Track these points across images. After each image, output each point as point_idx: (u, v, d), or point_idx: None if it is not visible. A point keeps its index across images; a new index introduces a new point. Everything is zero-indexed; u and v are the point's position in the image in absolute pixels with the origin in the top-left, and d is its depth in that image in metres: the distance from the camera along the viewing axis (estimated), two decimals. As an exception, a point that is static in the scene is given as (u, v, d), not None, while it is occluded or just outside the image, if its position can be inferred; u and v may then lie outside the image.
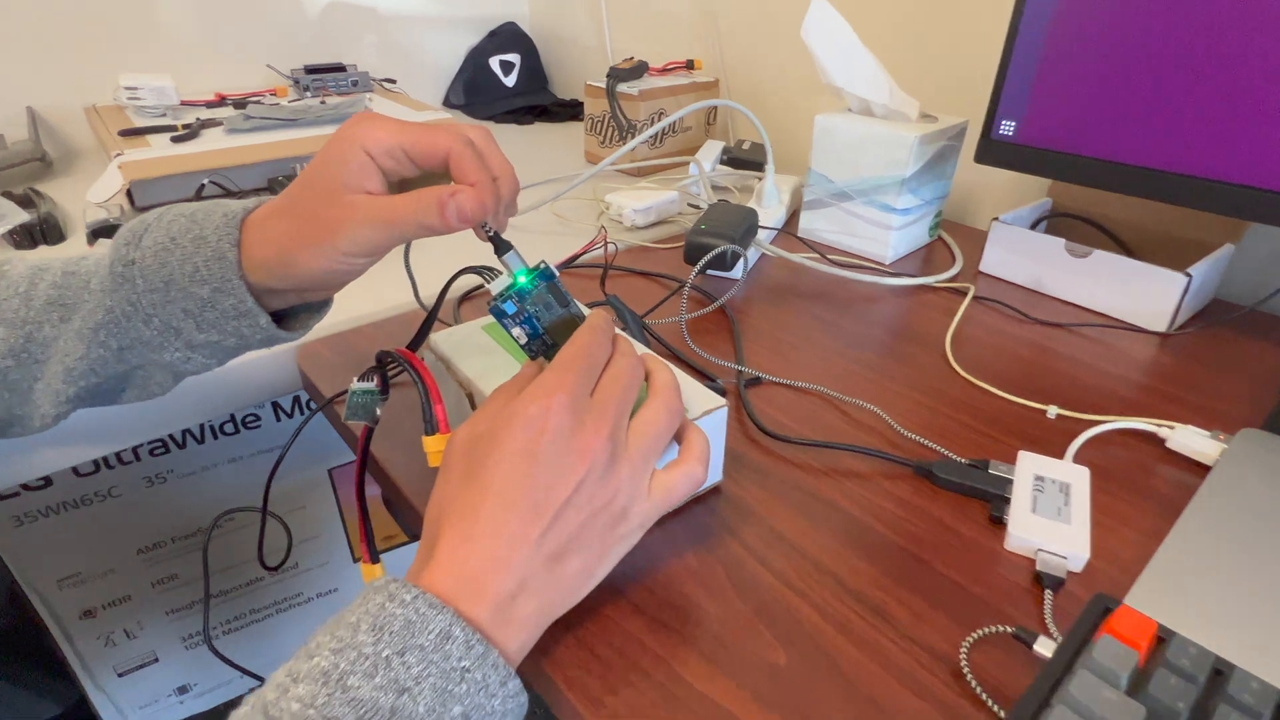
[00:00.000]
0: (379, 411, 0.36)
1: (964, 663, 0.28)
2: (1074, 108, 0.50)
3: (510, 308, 0.33)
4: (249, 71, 1.05)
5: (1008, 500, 0.36)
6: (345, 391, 0.37)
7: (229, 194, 0.72)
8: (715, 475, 0.38)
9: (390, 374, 0.37)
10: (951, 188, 0.74)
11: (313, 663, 0.23)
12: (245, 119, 0.82)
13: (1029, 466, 0.38)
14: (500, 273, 0.34)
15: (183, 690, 0.97)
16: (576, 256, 0.45)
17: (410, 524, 0.39)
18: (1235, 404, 0.46)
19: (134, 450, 0.81)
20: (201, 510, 0.89)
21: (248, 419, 0.87)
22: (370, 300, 0.56)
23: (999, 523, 0.36)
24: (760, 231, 0.65)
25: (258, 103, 0.92)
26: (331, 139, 0.32)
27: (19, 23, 0.87)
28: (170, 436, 0.83)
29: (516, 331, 0.34)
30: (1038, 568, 0.33)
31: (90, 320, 0.34)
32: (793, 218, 0.75)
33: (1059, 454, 0.41)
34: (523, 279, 0.33)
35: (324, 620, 0.26)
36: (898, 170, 0.61)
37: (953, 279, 0.62)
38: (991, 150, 0.55)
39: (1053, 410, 0.45)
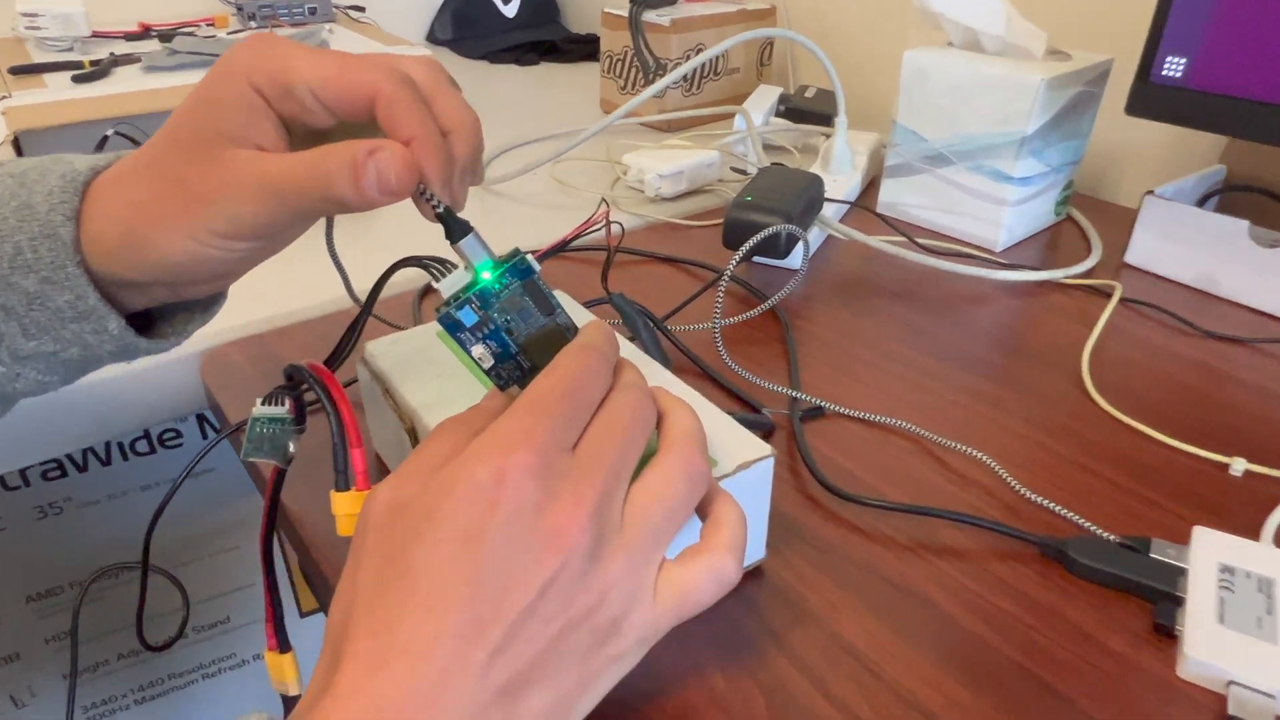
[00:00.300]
0: (292, 447, 0.33)
1: None
2: (1273, 39, 0.45)
3: (469, 317, 0.29)
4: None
5: (1181, 601, 0.32)
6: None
7: (136, 144, 0.70)
8: (756, 552, 0.34)
9: (308, 396, 0.34)
10: (1087, 150, 0.70)
11: None
12: (169, 54, 0.80)
13: (1210, 550, 0.33)
14: (456, 266, 0.30)
15: (82, 772, 0.95)
16: (566, 241, 0.40)
17: (328, 604, 0.35)
18: None
19: (22, 474, 0.79)
20: (106, 549, 0.87)
21: (165, 435, 0.85)
22: (303, 289, 0.53)
23: (1168, 635, 0.31)
24: (827, 206, 0.61)
25: (189, 34, 0.90)
26: (212, 69, 0.28)
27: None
28: (68, 457, 0.81)
29: (479, 350, 0.29)
30: (1230, 711, 0.28)
31: None
32: (870, 188, 0.73)
33: (1253, 532, 0.36)
34: (487, 275, 0.28)
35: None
36: (1016, 125, 0.58)
37: (1088, 273, 0.58)
38: (1150, 98, 0.51)
39: (1239, 464, 0.40)
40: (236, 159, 0.27)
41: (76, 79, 0.75)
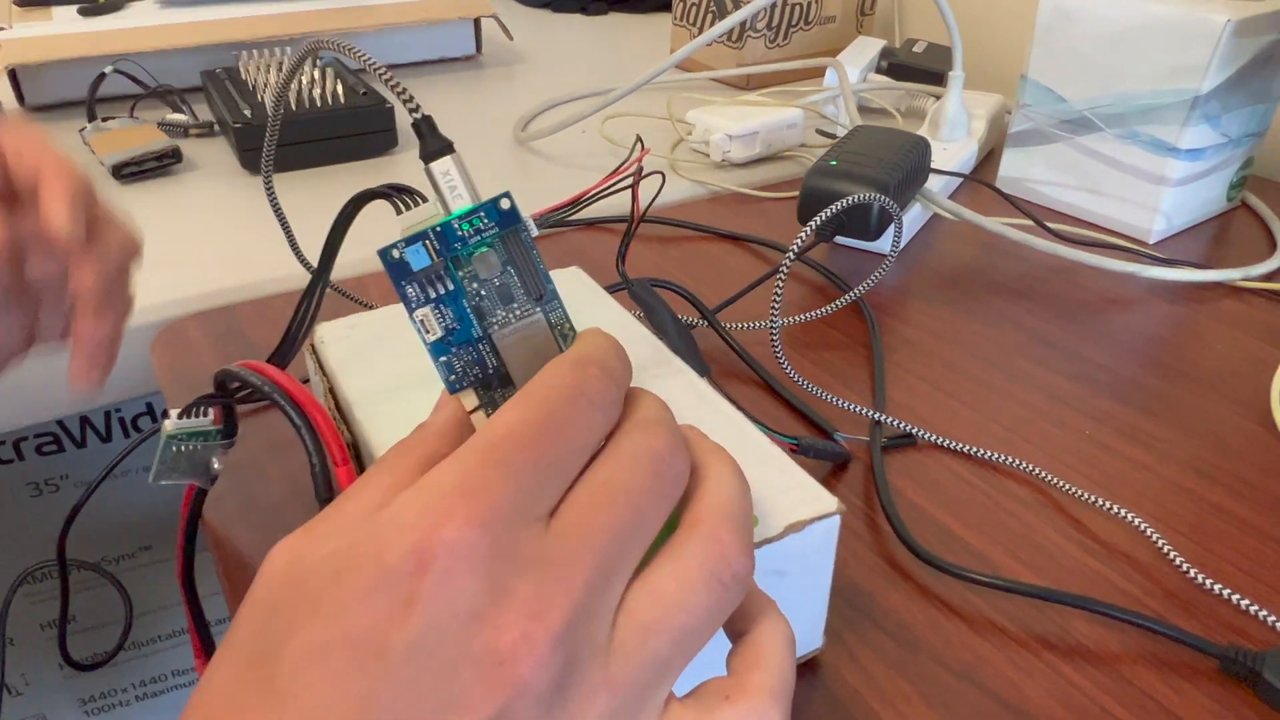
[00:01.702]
0: (217, 464, 0.30)
1: None
2: None
3: (419, 258, 0.21)
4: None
5: None
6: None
7: (143, 89, 0.67)
8: (811, 641, 0.28)
9: (240, 402, 0.31)
10: (1275, 120, 0.61)
11: None
12: None
13: None
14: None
15: (80, 766, 0.96)
16: (584, 196, 0.33)
17: None
18: None
19: (15, 445, 0.79)
20: (109, 533, 0.87)
21: (139, 420, 0.84)
22: (275, 259, 0.50)
23: None
24: (933, 178, 0.56)
25: None
26: None
27: None
28: (64, 428, 0.80)
29: (424, 314, 0.22)
30: None
31: None
32: (989, 160, 0.70)
33: None
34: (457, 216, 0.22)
35: None
36: (1189, 82, 0.53)
37: (1272, 275, 0.53)
38: None
39: None
40: None
41: (83, 11, 0.74)
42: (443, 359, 0.22)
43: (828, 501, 0.25)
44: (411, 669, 0.16)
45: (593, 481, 0.19)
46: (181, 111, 0.67)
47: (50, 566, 0.85)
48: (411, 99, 0.22)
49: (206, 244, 0.53)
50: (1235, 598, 0.30)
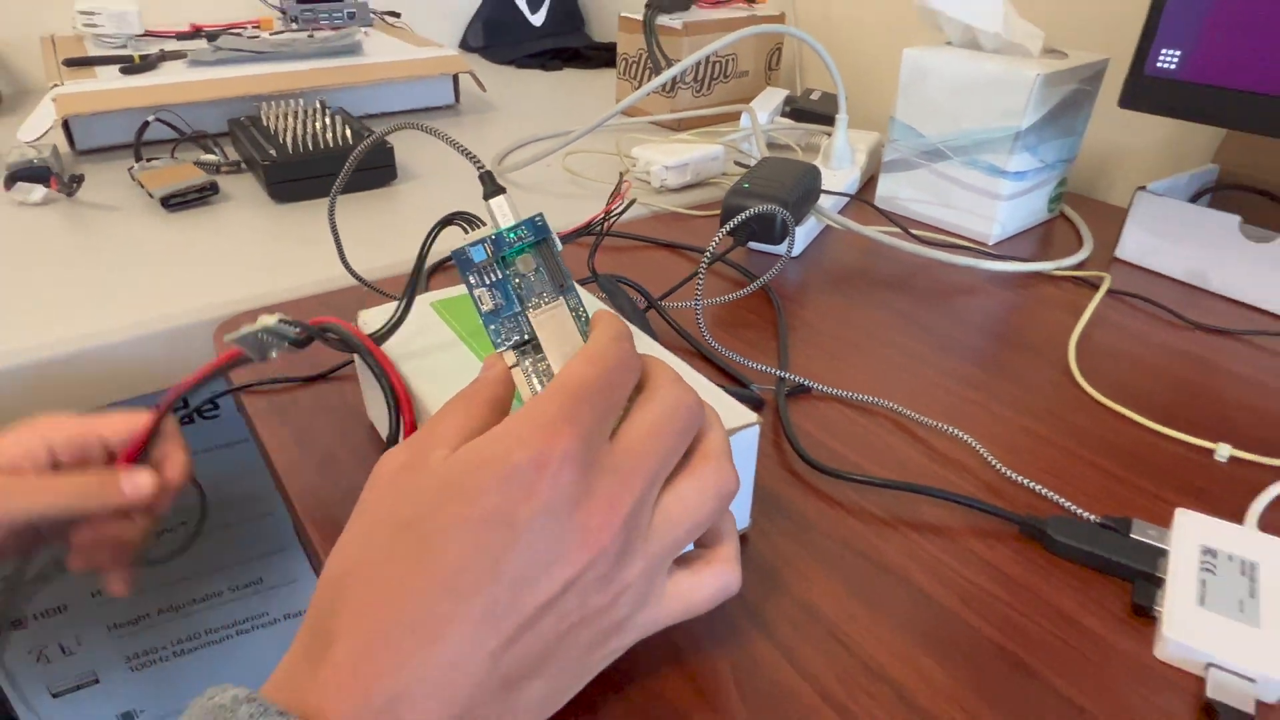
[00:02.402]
0: (274, 355, 0.30)
1: None
2: (1272, 26, 0.41)
3: (478, 253, 0.26)
4: (238, 2, 1.02)
5: (1160, 582, 0.29)
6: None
7: (179, 135, 0.69)
8: (743, 521, 0.32)
9: (324, 342, 0.32)
10: (1081, 148, 0.66)
11: None
12: (213, 51, 0.79)
13: (1192, 533, 0.30)
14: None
15: (126, 717, 0.96)
16: (593, 223, 0.37)
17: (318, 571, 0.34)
18: None
19: None
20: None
21: (204, 407, 0.84)
22: (300, 269, 0.52)
23: (1146, 616, 0.28)
24: (825, 197, 0.58)
25: (235, 34, 0.88)
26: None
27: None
28: None
29: (481, 293, 0.27)
30: (1208, 693, 0.25)
31: None
32: (870, 184, 0.70)
33: (1236, 515, 0.33)
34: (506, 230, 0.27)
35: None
36: (1010, 121, 0.55)
37: (1079, 266, 0.55)
38: (1145, 90, 0.47)
39: (1224, 450, 0.37)
40: None
41: (124, 70, 0.74)
42: (492, 326, 0.26)
43: (751, 416, 0.29)
44: (530, 536, 0.20)
45: (647, 418, 0.23)
46: (213, 153, 0.68)
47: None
48: (476, 158, 0.27)
49: (246, 258, 0.54)
50: (1033, 486, 0.34)
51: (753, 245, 0.55)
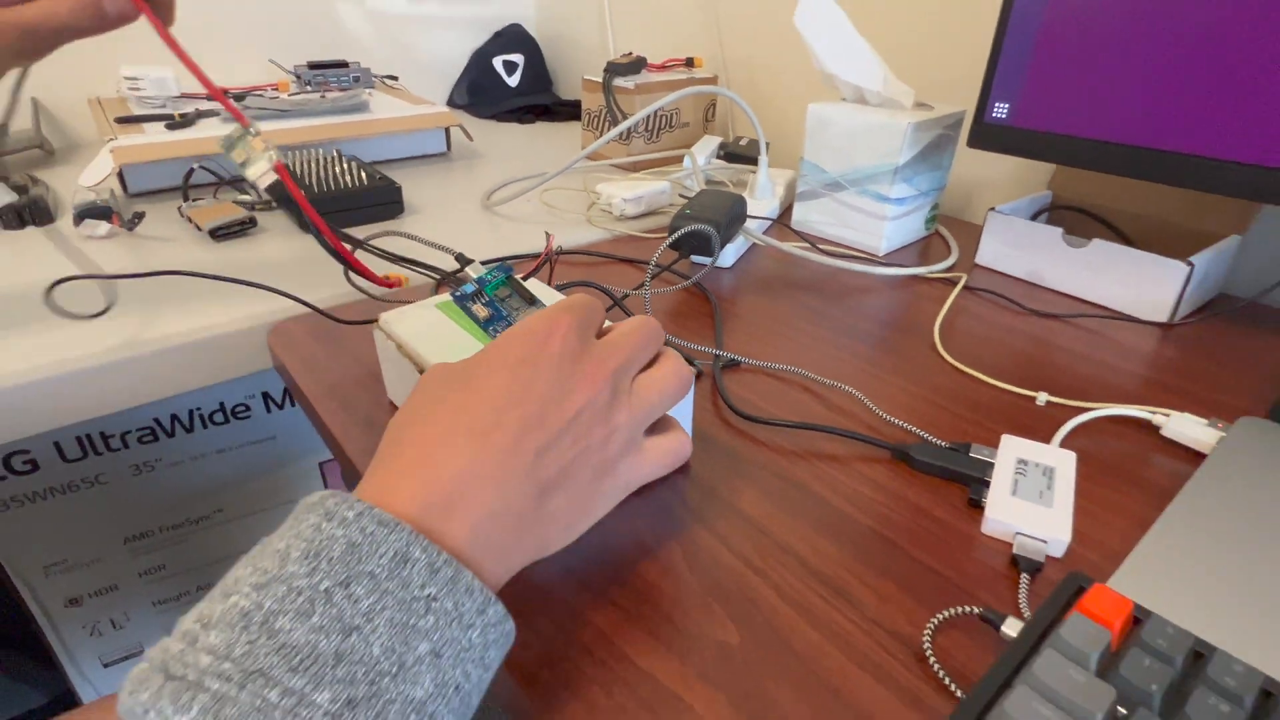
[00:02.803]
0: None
1: (927, 646, 0.26)
2: (1072, 87, 0.49)
3: (469, 288, 0.34)
4: (254, 67, 1.06)
5: (987, 483, 0.34)
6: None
7: (219, 180, 0.72)
8: (684, 446, 0.37)
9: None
10: (951, 182, 0.73)
11: (230, 603, 0.18)
12: (244, 110, 0.82)
13: (1012, 450, 0.36)
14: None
15: (168, 683, 0.96)
16: (537, 266, 0.42)
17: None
18: (1236, 395, 0.43)
19: (122, 437, 0.81)
20: (191, 500, 0.89)
21: (237, 409, 0.86)
22: (327, 287, 0.56)
23: (977, 506, 0.34)
24: (752, 222, 0.64)
25: (258, 96, 0.92)
26: None
27: (26, 15, 0.89)
28: (158, 423, 0.82)
29: (477, 308, 0.33)
30: (1015, 551, 0.31)
31: None
32: (787, 210, 0.74)
33: (1046, 439, 0.39)
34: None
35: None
36: (891, 159, 0.60)
37: (948, 270, 0.61)
38: (985, 134, 0.53)
39: (1042, 397, 0.43)
40: None
41: (169, 126, 0.76)
42: (489, 327, 0.33)
43: (687, 369, 0.35)
44: (549, 373, 0.25)
45: (622, 328, 0.29)
46: (248, 193, 0.72)
47: (148, 527, 0.87)
48: (459, 257, 0.32)
49: (285, 277, 0.56)
50: (902, 424, 0.39)
51: (695, 258, 0.61)
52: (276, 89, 0.97)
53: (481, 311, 0.34)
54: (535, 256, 0.61)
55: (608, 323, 0.31)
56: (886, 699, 0.25)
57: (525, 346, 0.25)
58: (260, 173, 0.39)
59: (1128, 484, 0.36)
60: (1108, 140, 0.48)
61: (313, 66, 1.00)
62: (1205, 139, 0.44)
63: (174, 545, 0.88)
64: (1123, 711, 0.21)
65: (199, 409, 0.83)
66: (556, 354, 0.25)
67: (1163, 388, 0.44)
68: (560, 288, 0.50)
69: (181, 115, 0.80)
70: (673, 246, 0.54)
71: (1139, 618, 0.23)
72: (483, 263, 0.41)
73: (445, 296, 0.42)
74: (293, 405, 0.88)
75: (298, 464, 0.93)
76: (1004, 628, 0.25)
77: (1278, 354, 0.48)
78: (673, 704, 0.25)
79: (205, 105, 0.87)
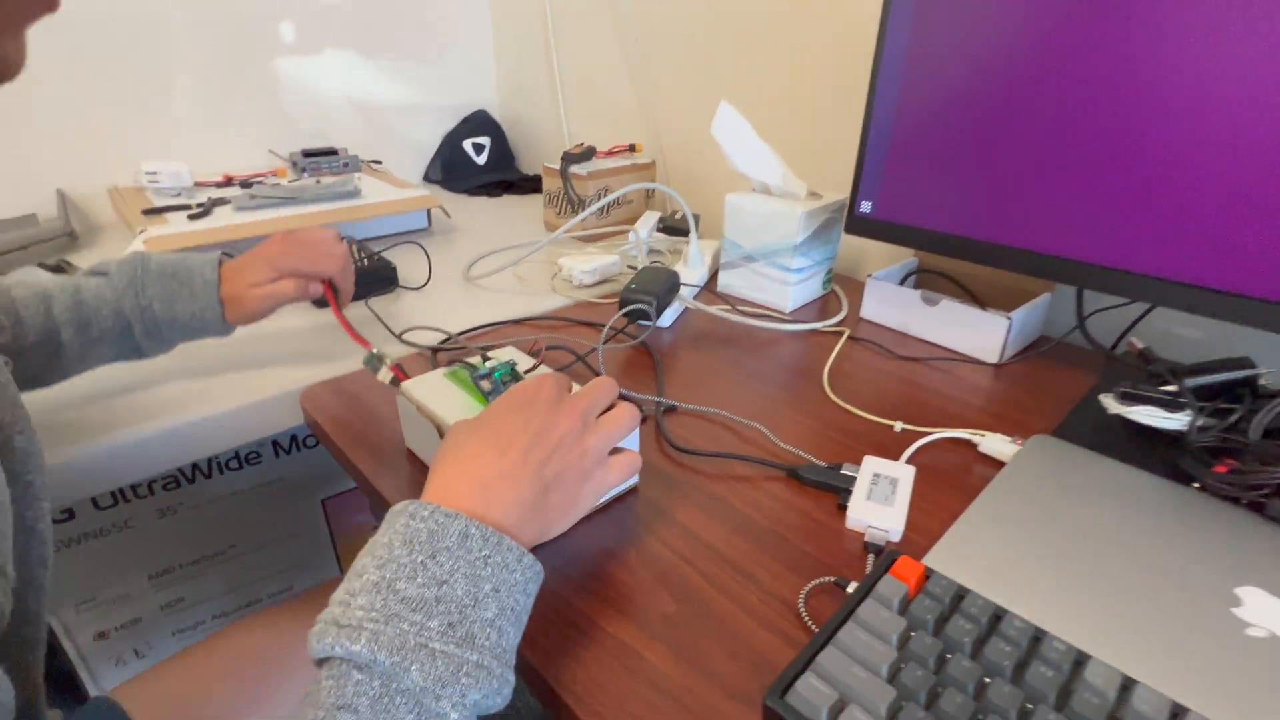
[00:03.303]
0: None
1: (801, 606, 0.36)
2: (917, 190, 0.61)
3: (484, 371, 0.45)
4: (253, 153, 1.12)
5: (850, 492, 0.44)
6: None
7: None
8: (635, 479, 0.46)
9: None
10: (846, 247, 0.84)
11: (363, 579, 0.27)
12: (250, 198, 0.88)
13: (870, 466, 0.46)
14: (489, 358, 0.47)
15: (185, 705, 0.99)
16: (533, 366, 0.51)
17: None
18: (1038, 417, 0.55)
19: (149, 485, 0.86)
20: (208, 538, 0.93)
21: (250, 456, 0.92)
22: (348, 354, 0.63)
23: (843, 509, 0.44)
24: (685, 289, 0.73)
25: (260, 183, 0.99)
26: (263, 244, 0.57)
27: (48, 114, 0.94)
28: (181, 472, 0.87)
29: (484, 384, 0.43)
30: (866, 539, 0.41)
31: (106, 330, 0.51)
32: (714, 277, 0.82)
33: (896, 457, 0.49)
34: (493, 369, 0.46)
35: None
36: (790, 239, 0.70)
37: (839, 324, 0.71)
38: (855, 224, 0.65)
39: (898, 425, 0.53)
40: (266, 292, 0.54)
41: (191, 217, 0.82)
42: (488, 397, 0.43)
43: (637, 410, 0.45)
44: (540, 412, 0.34)
45: (588, 386, 0.37)
46: None
47: (170, 564, 0.91)
48: (478, 361, 0.42)
49: (307, 344, 0.64)
50: (796, 450, 0.48)
51: (641, 322, 0.70)
52: (276, 175, 1.05)
53: (486, 385, 0.44)
54: (514, 322, 0.70)
55: (575, 386, 0.40)
56: (773, 640, 0.34)
57: (523, 397, 0.35)
58: (386, 377, 0.50)
59: (951, 487, 0.47)
60: (944, 232, 0.60)
61: (306, 154, 1.07)
62: (1015, 234, 0.56)
63: (192, 579, 0.92)
64: (912, 634, 0.31)
65: (217, 457, 0.89)
66: (545, 400, 0.35)
67: (987, 414, 0.55)
68: (537, 352, 0.59)
69: (199, 205, 0.87)
70: (623, 315, 0.64)
71: (928, 575, 0.34)
72: (469, 332, 0.52)
73: (450, 368, 0.50)
74: (298, 451, 0.94)
75: (303, 502, 0.99)
76: (848, 589, 0.35)
77: (1070, 384, 0.60)
78: (633, 656, 0.34)
79: (216, 194, 0.94)
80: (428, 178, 1.30)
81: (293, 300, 0.56)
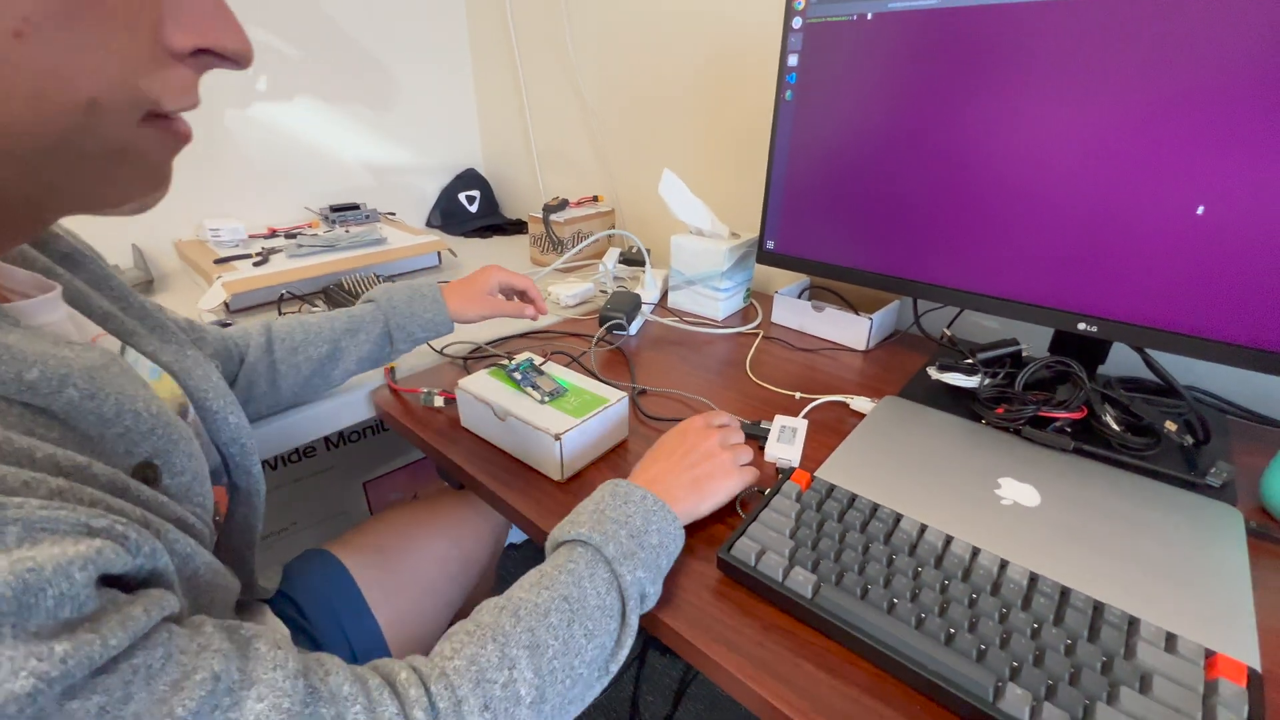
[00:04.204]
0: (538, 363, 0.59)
1: (738, 506, 0.49)
2: (803, 232, 0.74)
3: (512, 365, 0.54)
4: (286, 209, 1.18)
5: (766, 437, 0.57)
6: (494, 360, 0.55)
7: (297, 297, 0.86)
8: (621, 433, 0.57)
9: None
10: (757, 272, 0.96)
11: (586, 511, 0.39)
12: (298, 247, 0.95)
13: (780, 421, 0.59)
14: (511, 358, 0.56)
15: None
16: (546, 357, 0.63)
17: (450, 479, 0.55)
18: (889, 384, 0.69)
19: (275, 459, 0.90)
20: (274, 517, 0.99)
21: (308, 450, 0.99)
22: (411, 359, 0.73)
23: (763, 449, 0.56)
24: (645, 306, 0.85)
25: (301, 234, 1.05)
26: (479, 272, 0.66)
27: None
28: (296, 451, 0.92)
29: (515, 375, 0.54)
30: (777, 466, 0.54)
31: (371, 334, 0.59)
32: (665, 295, 0.91)
33: (796, 414, 0.62)
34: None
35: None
36: (718, 268, 0.81)
37: (756, 327, 0.82)
38: (764, 256, 0.78)
39: (797, 394, 0.66)
40: (489, 300, 0.62)
41: (255, 264, 0.88)
42: (526, 387, 0.53)
43: (621, 394, 0.55)
44: (689, 436, 0.46)
45: (724, 433, 0.48)
46: (317, 306, 0.83)
47: None
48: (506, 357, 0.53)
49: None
50: (736, 416, 0.63)
51: (616, 332, 0.82)
52: (311, 227, 1.11)
53: (517, 376, 0.55)
54: (521, 336, 0.79)
55: (725, 420, 0.50)
56: (720, 527, 0.47)
57: (681, 427, 0.46)
58: (439, 402, 0.62)
59: (830, 431, 0.60)
60: (825, 261, 0.74)
61: (334, 209, 1.14)
62: (874, 262, 0.70)
63: (263, 552, 0.98)
64: (804, 513, 0.44)
65: (280, 453, 0.96)
66: (695, 429, 0.46)
67: (857, 384, 0.69)
68: (549, 354, 0.70)
69: (258, 254, 0.93)
70: (604, 327, 0.76)
71: (813, 479, 0.47)
72: (492, 342, 0.64)
73: (490, 369, 0.60)
74: (344, 445, 1.01)
75: (349, 485, 1.06)
76: (765, 493, 0.48)
77: (911, 361, 0.75)
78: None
79: (268, 244, 1.00)
80: (429, 223, 1.36)
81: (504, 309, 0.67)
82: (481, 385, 0.57)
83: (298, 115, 1.14)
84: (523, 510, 0.48)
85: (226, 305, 0.84)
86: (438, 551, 0.63)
